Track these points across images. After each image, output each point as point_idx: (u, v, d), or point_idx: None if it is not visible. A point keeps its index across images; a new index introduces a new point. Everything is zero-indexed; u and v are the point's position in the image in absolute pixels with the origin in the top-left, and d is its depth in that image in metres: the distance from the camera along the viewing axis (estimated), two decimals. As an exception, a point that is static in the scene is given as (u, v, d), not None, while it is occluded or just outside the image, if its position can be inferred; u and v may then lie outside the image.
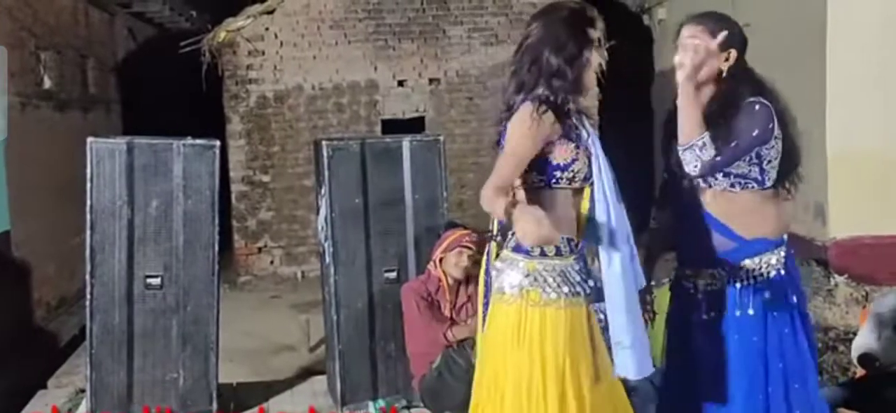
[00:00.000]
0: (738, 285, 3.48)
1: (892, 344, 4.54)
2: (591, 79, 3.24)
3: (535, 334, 3.15)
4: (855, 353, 4.79)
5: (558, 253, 3.19)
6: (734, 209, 3.46)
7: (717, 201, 3.48)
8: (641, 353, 3.23)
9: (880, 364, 4.58)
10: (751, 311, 3.46)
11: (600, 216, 3.17)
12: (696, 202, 3.51)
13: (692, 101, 3.31)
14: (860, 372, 4.84)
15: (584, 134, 3.19)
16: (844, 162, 8.20)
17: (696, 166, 3.32)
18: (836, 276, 7.95)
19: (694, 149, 3.29)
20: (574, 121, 3.17)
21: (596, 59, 3.20)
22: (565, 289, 3.18)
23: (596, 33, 3.20)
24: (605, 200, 3.18)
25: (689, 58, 3.34)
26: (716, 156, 3.30)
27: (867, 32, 8.16)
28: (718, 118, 3.33)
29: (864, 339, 4.70)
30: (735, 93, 3.40)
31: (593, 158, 3.18)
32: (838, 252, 8.21)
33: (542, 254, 3.18)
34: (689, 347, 3.59)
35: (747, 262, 3.47)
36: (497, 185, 2.98)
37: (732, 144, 3.33)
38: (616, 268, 3.17)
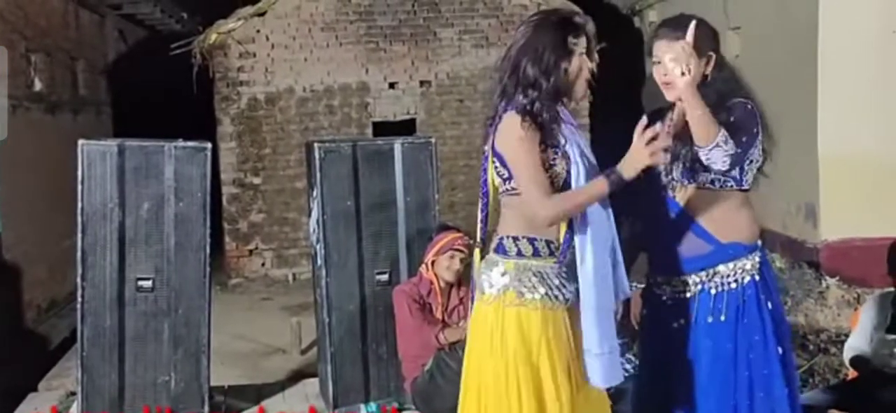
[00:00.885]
0: (712, 291, 3.44)
1: (884, 346, 4.54)
2: (581, 87, 3.21)
3: (510, 335, 3.12)
4: (847, 355, 4.79)
5: (536, 253, 3.16)
6: (711, 209, 3.42)
7: (694, 199, 3.44)
8: (610, 363, 3.16)
9: (872, 366, 4.59)
10: (723, 318, 3.43)
11: (575, 220, 3.15)
12: (673, 204, 3.49)
13: (701, 104, 3.23)
14: (852, 374, 4.85)
15: (562, 139, 3.15)
16: (836, 164, 8.22)
17: (725, 161, 3.24)
18: (827, 278, 7.97)
19: (720, 146, 3.23)
20: (551, 127, 3.13)
21: (576, 65, 3.15)
22: (541, 290, 3.15)
23: (579, 43, 3.15)
24: None
25: (692, 64, 3.22)
26: (737, 147, 3.27)
27: (859, 35, 8.19)
28: (718, 118, 3.29)
29: (856, 341, 4.70)
30: (724, 93, 3.39)
31: (572, 163, 3.14)
32: (830, 254, 8.25)
33: (519, 254, 3.16)
34: (661, 354, 3.56)
35: (722, 268, 3.44)
36: (546, 194, 3.04)
37: (743, 140, 3.29)
38: (588, 272, 3.13)
